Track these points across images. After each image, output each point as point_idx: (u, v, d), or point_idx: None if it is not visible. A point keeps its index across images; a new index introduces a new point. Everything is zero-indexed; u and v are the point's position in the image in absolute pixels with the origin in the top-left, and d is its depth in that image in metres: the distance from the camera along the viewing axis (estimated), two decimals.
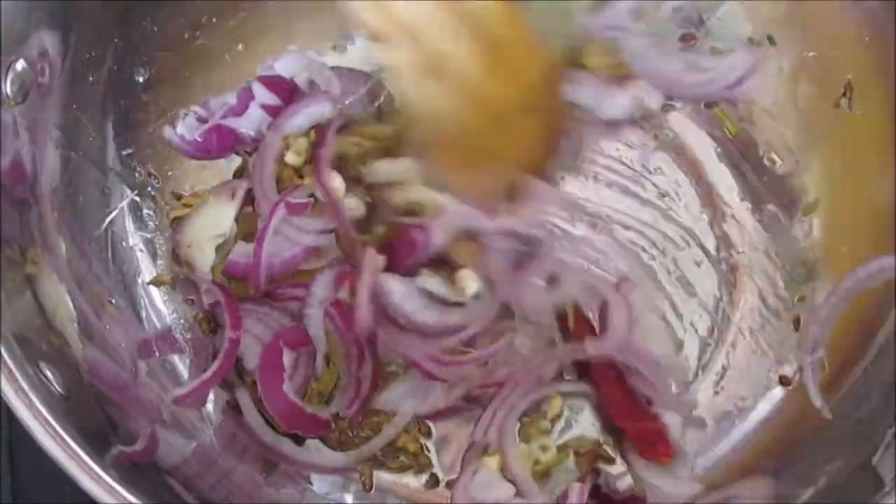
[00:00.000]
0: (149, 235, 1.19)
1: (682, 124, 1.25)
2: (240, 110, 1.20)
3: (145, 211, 1.19)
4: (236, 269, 1.15)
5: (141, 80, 1.18)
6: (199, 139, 1.19)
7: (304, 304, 1.13)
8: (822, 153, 1.22)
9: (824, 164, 1.22)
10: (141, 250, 1.18)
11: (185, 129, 1.20)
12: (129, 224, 1.18)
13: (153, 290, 1.17)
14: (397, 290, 1.10)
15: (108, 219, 1.15)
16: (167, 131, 1.19)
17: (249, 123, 1.20)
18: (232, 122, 1.20)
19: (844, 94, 1.20)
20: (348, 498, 1.14)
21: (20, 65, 0.99)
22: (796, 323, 1.18)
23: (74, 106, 1.09)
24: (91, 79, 1.11)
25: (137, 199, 1.19)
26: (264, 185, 1.17)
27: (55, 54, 1.04)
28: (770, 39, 1.23)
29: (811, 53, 1.22)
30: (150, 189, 1.20)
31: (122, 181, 1.18)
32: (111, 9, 1.10)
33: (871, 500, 0.92)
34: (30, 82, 1.01)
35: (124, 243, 1.17)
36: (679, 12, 1.26)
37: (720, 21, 1.26)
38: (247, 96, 1.20)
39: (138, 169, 1.19)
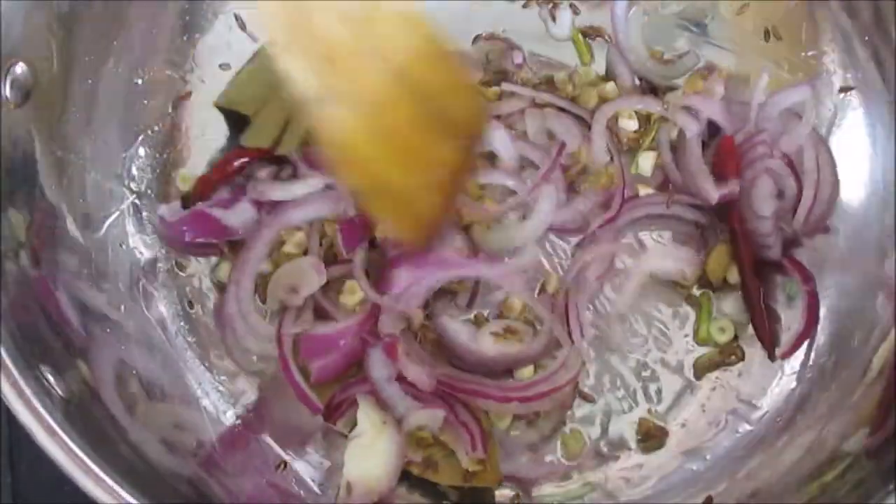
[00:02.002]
0: (148, 238, 1.19)
1: None
2: (229, 203, 1.17)
3: (145, 213, 1.19)
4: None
5: (139, 82, 1.18)
6: (175, 223, 1.17)
7: (376, 391, 1.11)
8: None
9: None
10: (140, 252, 1.18)
11: (167, 210, 1.18)
12: (130, 226, 1.18)
13: (152, 292, 1.18)
14: (462, 330, 1.13)
15: (108, 221, 1.16)
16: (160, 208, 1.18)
17: (236, 218, 1.16)
18: (216, 213, 1.16)
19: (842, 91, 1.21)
20: None
21: (20, 68, 1.00)
22: None
23: (74, 109, 1.10)
24: (90, 81, 1.11)
25: (137, 201, 1.19)
26: (242, 287, 1.15)
27: (54, 57, 1.04)
28: (766, 37, 1.24)
29: (810, 52, 1.23)
30: (149, 192, 1.20)
31: (122, 184, 1.18)
32: (109, 11, 1.11)
33: (872, 500, 0.92)
34: (29, 85, 1.01)
35: (123, 245, 1.17)
36: (680, 13, 1.27)
37: (720, 21, 1.26)
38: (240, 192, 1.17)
39: (138, 171, 1.19)
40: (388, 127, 0.94)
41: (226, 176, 1.19)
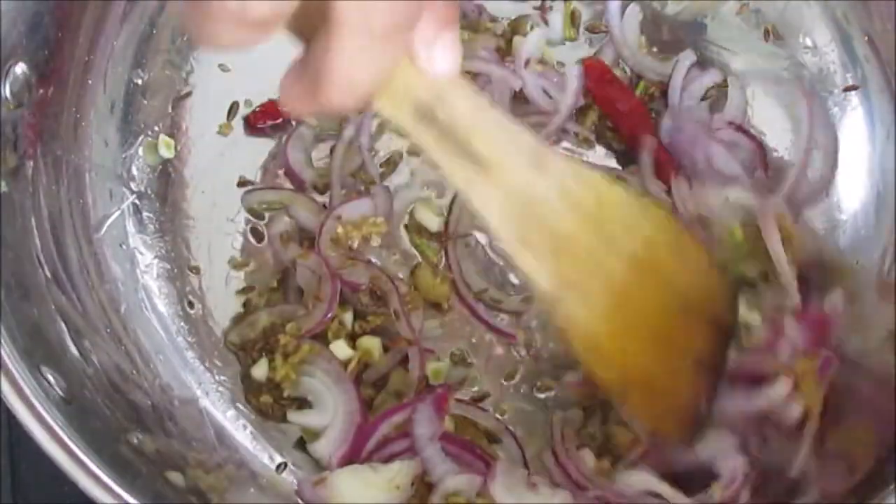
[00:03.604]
0: (149, 238, 1.19)
1: None
2: None
3: (145, 214, 1.19)
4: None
5: (140, 82, 1.18)
6: None
7: (416, 450, 1.07)
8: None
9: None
10: (141, 252, 1.18)
11: None
12: (130, 226, 1.18)
13: (152, 291, 1.18)
14: None
15: (109, 221, 1.16)
16: None
17: None
18: None
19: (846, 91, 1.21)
20: None
21: (20, 68, 1.00)
22: None
23: (74, 109, 1.10)
24: (90, 81, 1.11)
25: (137, 201, 1.19)
26: None
27: (54, 57, 1.04)
28: (766, 37, 1.24)
29: (810, 52, 1.23)
30: (149, 192, 1.20)
31: (123, 184, 1.18)
32: (109, 10, 1.11)
33: (872, 500, 0.91)
34: (29, 85, 1.01)
35: (123, 245, 1.17)
36: (680, 13, 1.27)
37: (720, 21, 1.26)
38: None
39: (138, 171, 1.19)
40: (630, 316, 0.91)
41: None
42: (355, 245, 1.15)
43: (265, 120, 1.23)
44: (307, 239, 1.18)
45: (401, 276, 1.16)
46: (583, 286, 0.87)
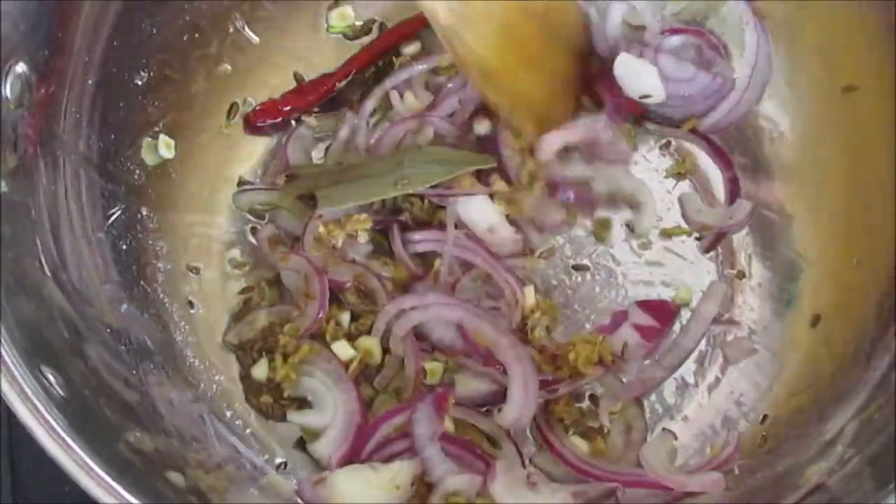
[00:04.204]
0: (149, 238, 1.19)
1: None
2: None
3: (145, 214, 1.19)
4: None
5: (140, 82, 1.18)
6: None
7: (416, 450, 1.08)
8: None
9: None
10: (141, 252, 1.18)
11: None
12: (130, 226, 1.18)
13: (152, 292, 1.17)
14: None
15: (109, 221, 1.16)
16: None
17: None
18: None
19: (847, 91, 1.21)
20: None
21: (20, 68, 1.00)
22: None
23: (74, 109, 1.10)
24: (90, 81, 1.11)
25: (137, 201, 1.19)
26: None
27: (54, 57, 1.04)
28: None
29: (810, 53, 1.23)
30: (150, 191, 1.20)
31: (122, 184, 1.18)
32: (109, 11, 1.11)
33: (871, 500, 0.92)
34: (29, 85, 1.01)
35: (124, 245, 1.17)
36: (680, 14, 1.27)
37: (720, 22, 1.26)
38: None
39: (138, 171, 1.19)
40: (513, 44, 1.10)
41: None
42: (339, 244, 1.15)
43: (265, 119, 1.22)
44: (296, 241, 1.19)
45: (385, 273, 1.16)
46: (474, 19, 1.05)
